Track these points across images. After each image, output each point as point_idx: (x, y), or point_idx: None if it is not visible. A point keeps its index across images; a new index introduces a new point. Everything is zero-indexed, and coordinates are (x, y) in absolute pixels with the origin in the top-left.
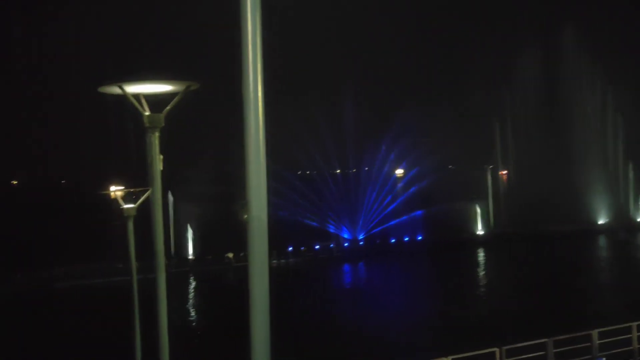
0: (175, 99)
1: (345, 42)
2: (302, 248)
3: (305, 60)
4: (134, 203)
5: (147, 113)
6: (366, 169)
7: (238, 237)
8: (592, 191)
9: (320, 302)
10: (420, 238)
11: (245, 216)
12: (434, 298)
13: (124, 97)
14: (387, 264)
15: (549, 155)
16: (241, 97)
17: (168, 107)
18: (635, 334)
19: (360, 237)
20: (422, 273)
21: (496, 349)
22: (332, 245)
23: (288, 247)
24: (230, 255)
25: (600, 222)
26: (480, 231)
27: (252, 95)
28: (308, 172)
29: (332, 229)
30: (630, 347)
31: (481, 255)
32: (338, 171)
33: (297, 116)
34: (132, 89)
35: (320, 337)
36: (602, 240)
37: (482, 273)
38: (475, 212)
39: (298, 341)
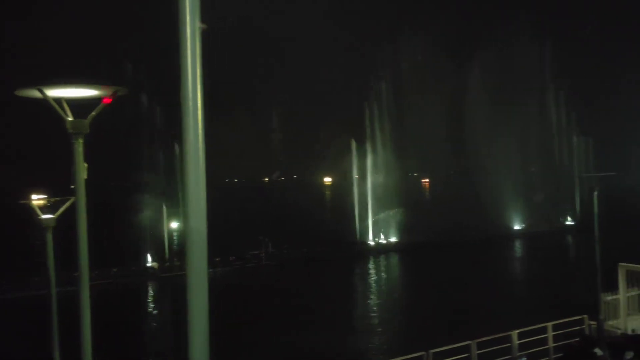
0: (102, 105)
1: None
2: (231, 257)
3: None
4: (55, 213)
5: (69, 118)
6: (295, 176)
7: (163, 246)
8: (510, 198)
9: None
10: (354, 242)
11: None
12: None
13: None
14: (313, 270)
15: (469, 164)
16: (180, 106)
17: (93, 113)
18: (550, 333)
19: (285, 246)
20: (343, 281)
21: (424, 353)
22: (260, 253)
23: (215, 257)
24: (155, 265)
25: (517, 227)
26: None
27: (191, 104)
28: (236, 180)
29: (259, 238)
30: (547, 346)
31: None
32: (266, 179)
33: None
34: (54, 92)
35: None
36: (512, 247)
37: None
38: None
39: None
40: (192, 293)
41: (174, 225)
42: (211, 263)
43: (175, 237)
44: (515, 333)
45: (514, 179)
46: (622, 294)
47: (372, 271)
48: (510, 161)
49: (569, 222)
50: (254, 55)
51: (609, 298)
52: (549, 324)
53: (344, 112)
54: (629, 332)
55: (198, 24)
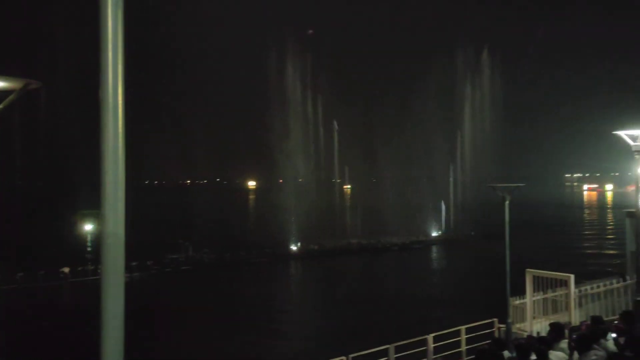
0: (10, 98)
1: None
2: (148, 262)
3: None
4: None
5: None
6: (217, 179)
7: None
8: (429, 205)
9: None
10: (267, 250)
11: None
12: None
13: None
14: (234, 275)
15: (391, 171)
16: (99, 102)
17: (0, 106)
18: (463, 336)
19: (208, 249)
20: (261, 284)
21: (343, 358)
22: (179, 257)
23: (132, 261)
24: (66, 269)
25: (434, 234)
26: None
27: (111, 100)
28: (156, 182)
29: (179, 241)
30: (460, 349)
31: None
32: (188, 182)
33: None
34: None
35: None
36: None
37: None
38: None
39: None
40: (107, 298)
41: (90, 227)
42: (128, 267)
43: (91, 240)
44: (431, 337)
45: (432, 187)
46: (529, 298)
47: (292, 275)
48: (430, 170)
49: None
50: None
51: (517, 302)
52: (462, 327)
53: (270, 117)
54: (535, 334)
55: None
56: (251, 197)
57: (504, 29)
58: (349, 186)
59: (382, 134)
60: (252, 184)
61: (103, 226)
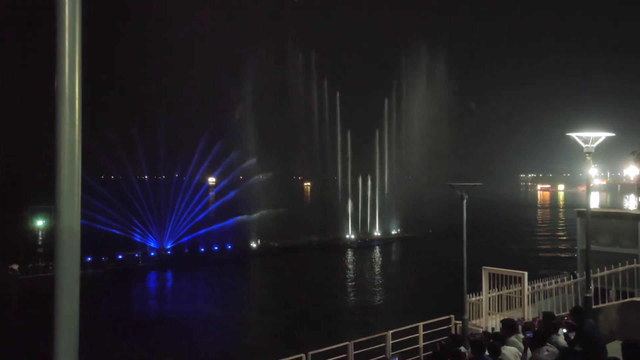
0: None
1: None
2: (103, 258)
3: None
4: None
5: None
6: (176, 175)
7: (29, 246)
8: (387, 203)
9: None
10: (229, 247)
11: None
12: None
13: None
14: (194, 272)
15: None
16: (54, 93)
17: None
18: (421, 332)
19: (168, 246)
20: (224, 282)
21: (302, 355)
22: (137, 254)
23: (86, 257)
24: (15, 267)
25: (393, 232)
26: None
27: (67, 91)
28: (112, 177)
29: (137, 238)
30: (418, 345)
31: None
32: (146, 177)
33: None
34: None
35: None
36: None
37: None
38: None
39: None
40: (62, 295)
41: (41, 223)
42: (81, 264)
43: (42, 236)
44: (389, 333)
45: (391, 186)
46: (485, 295)
47: (254, 272)
48: (390, 169)
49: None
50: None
51: (473, 299)
52: (420, 324)
53: (232, 113)
54: (490, 330)
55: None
56: (210, 193)
57: (459, 31)
58: (308, 183)
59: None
60: (212, 180)
61: (58, 221)
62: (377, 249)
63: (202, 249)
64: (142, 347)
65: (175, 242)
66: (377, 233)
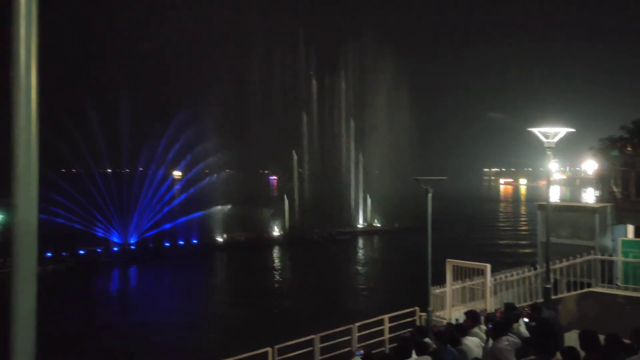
0: None
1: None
2: (64, 253)
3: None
4: None
5: None
6: (141, 169)
7: None
8: (354, 199)
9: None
10: (195, 241)
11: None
12: (199, 300)
13: None
14: (158, 267)
15: (319, 165)
16: (11, 83)
17: None
18: (386, 325)
19: (132, 241)
20: (189, 276)
21: (269, 349)
22: (99, 249)
23: (46, 253)
24: None
25: (360, 226)
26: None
27: (23, 80)
28: (74, 170)
29: (100, 233)
30: (383, 337)
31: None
32: (109, 170)
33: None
34: None
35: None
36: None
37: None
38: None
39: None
40: (18, 292)
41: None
42: (41, 259)
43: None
44: (355, 326)
45: (357, 180)
46: (449, 287)
47: (219, 267)
48: (356, 163)
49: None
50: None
51: (438, 291)
52: (385, 317)
53: (200, 105)
54: (453, 321)
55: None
56: (176, 187)
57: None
58: (275, 177)
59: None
60: (177, 174)
61: (14, 214)
62: (343, 243)
63: (167, 244)
64: (102, 346)
65: (139, 236)
66: (344, 227)
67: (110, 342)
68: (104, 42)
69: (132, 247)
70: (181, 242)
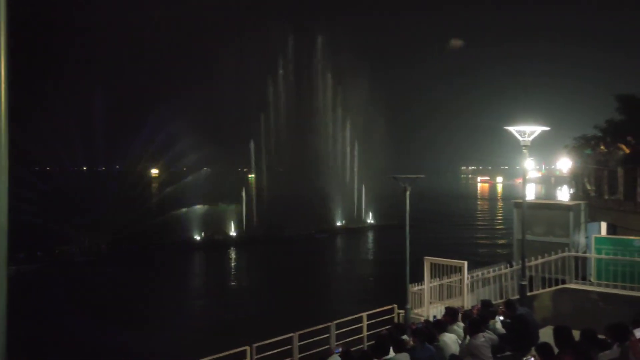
0: None
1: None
2: (38, 253)
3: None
4: None
5: None
6: (117, 167)
7: None
8: (332, 197)
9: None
10: (171, 240)
11: None
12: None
13: None
14: (134, 266)
15: (297, 162)
16: None
17: None
18: (365, 322)
19: (107, 240)
20: (165, 275)
21: (247, 347)
22: (74, 249)
23: (19, 253)
24: None
25: (339, 224)
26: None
27: None
28: (48, 169)
29: (75, 232)
30: (362, 335)
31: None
32: (84, 168)
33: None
34: None
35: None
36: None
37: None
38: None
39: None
40: None
41: None
42: (14, 259)
43: None
44: (333, 324)
45: (333, 179)
46: (427, 285)
47: (197, 266)
48: (333, 161)
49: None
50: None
51: (416, 289)
52: (364, 314)
53: (173, 101)
54: (431, 319)
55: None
56: (154, 185)
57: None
58: (252, 175)
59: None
60: (154, 172)
61: None
62: (322, 241)
63: (143, 243)
64: (75, 346)
65: (114, 235)
66: (323, 225)
67: (81, 340)
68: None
69: (107, 246)
70: (158, 241)
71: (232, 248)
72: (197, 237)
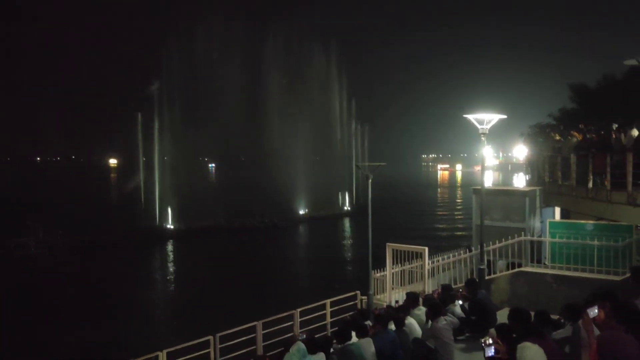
0: None
1: None
2: None
3: None
4: None
5: None
6: (73, 157)
7: None
8: (292, 184)
9: None
10: (132, 229)
11: None
12: None
13: None
14: (92, 258)
15: (253, 152)
16: None
17: None
18: (328, 309)
19: (65, 230)
20: (125, 265)
21: (210, 337)
22: (29, 240)
23: None
24: None
25: (301, 212)
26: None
27: None
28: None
29: (30, 224)
30: (325, 322)
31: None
32: (38, 159)
33: None
34: None
35: None
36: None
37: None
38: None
39: None
40: None
41: None
42: None
43: None
44: (297, 312)
45: (298, 167)
46: (389, 271)
47: (158, 255)
48: (296, 149)
49: (347, 207)
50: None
51: (378, 275)
52: (327, 301)
53: (133, 91)
54: (393, 304)
55: None
56: (112, 175)
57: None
58: (213, 164)
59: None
60: (113, 162)
61: None
62: (285, 230)
63: (103, 233)
64: (26, 342)
65: (72, 226)
66: (286, 214)
67: (32, 337)
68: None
69: (64, 237)
70: (117, 231)
71: (193, 237)
72: (158, 227)
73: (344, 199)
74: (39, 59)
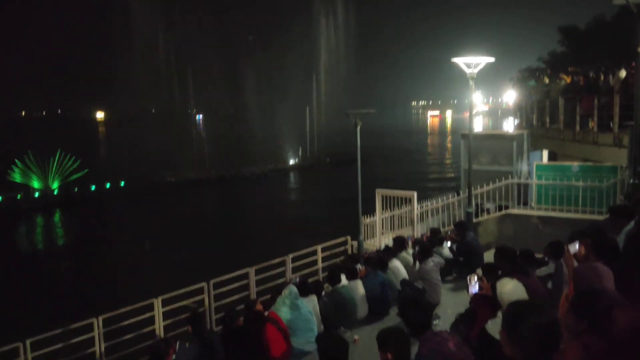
0: None
1: None
2: None
3: None
4: None
5: None
6: (59, 111)
7: None
8: (285, 134)
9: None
10: (122, 183)
11: None
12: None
13: None
14: (85, 212)
15: (244, 103)
16: None
17: None
18: (320, 255)
19: (55, 185)
20: (118, 219)
21: (204, 283)
22: (18, 196)
23: None
24: None
25: (292, 162)
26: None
27: None
28: None
29: (19, 179)
30: (317, 267)
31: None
32: (23, 113)
33: None
34: None
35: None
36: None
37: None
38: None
39: None
40: None
41: None
42: None
43: None
44: (289, 257)
45: (288, 116)
46: (378, 216)
47: (150, 208)
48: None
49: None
50: None
51: (368, 220)
52: (318, 247)
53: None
54: (382, 248)
55: None
56: (100, 129)
57: None
58: (200, 116)
59: (241, 66)
60: (100, 115)
61: None
62: (275, 180)
63: (93, 187)
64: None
65: (62, 181)
66: (276, 164)
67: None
68: None
69: (55, 192)
70: (108, 185)
71: (184, 189)
72: (151, 180)
73: (333, 147)
74: (18, 9)
